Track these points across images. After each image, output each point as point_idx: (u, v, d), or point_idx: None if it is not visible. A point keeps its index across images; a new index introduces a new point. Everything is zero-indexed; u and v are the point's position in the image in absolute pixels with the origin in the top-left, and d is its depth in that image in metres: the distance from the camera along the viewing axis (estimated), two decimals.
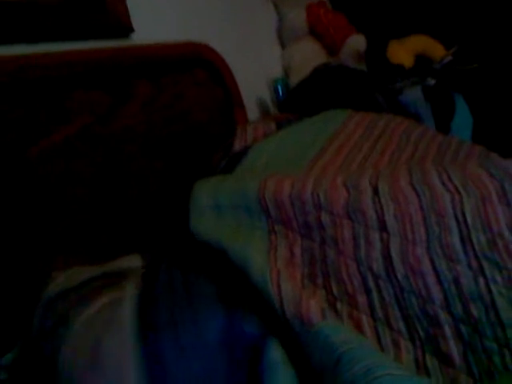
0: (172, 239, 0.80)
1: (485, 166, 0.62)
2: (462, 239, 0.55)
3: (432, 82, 1.59)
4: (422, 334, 0.53)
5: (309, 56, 1.76)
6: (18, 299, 0.76)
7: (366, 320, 0.55)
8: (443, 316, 0.52)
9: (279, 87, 1.66)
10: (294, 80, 1.68)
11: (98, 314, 0.59)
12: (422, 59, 1.69)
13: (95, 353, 0.52)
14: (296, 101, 1.49)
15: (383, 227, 0.59)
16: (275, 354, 0.53)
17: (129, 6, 1.13)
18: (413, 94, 1.55)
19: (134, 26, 1.14)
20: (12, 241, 0.78)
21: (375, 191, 0.62)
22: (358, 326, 0.56)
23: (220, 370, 0.52)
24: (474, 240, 0.54)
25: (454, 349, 0.51)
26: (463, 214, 0.56)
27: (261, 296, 0.59)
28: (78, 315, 0.59)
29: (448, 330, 0.51)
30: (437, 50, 1.69)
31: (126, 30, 1.13)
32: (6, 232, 0.77)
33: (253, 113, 1.60)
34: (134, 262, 0.82)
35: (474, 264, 0.53)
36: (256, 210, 0.68)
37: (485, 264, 0.53)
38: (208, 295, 0.60)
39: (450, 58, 1.63)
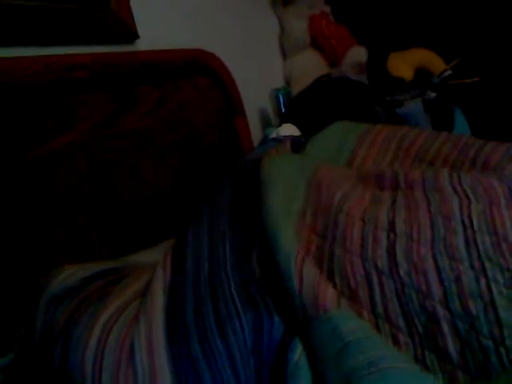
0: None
1: (495, 174, 0.64)
2: (466, 241, 0.56)
3: (432, 95, 1.61)
4: (420, 329, 0.53)
5: (310, 67, 1.78)
6: (15, 301, 0.76)
7: (366, 315, 0.56)
8: (441, 312, 0.52)
9: (280, 97, 1.67)
10: (295, 90, 1.70)
11: (123, 312, 0.60)
12: (421, 72, 1.71)
13: (126, 351, 0.54)
14: (297, 111, 1.51)
15: (392, 229, 0.60)
16: (299, 356, 0.54)
17: (134, 13, 1.15)
18: (413, 107, 1.57)
19: (139, 32, 1.16)
20: (14, 241, 0.78)
21: (393, 202, 0.65)
22: None
23: (248, 373, 0.54)
24: (479, 242, 0.55)
25: (451, 345, 0.51)
26: (470, 219, 0.57)
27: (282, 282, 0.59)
28: (95, 317, 0.60)
29: (445, 326, 0.52)
30: (437, 63, 1.70)
31: (131, 36, 1.15)
32: (8, 231, 0.77)
33: (254, 121, 1.62)
34: (143, 257, 0.83)
35: (477, 264, 0.54)
36: (301, 186, 0.74)
37: (487, 265, 0.53)
38: (231, 294, 0.61)
39: (449, 71, 1.65)
